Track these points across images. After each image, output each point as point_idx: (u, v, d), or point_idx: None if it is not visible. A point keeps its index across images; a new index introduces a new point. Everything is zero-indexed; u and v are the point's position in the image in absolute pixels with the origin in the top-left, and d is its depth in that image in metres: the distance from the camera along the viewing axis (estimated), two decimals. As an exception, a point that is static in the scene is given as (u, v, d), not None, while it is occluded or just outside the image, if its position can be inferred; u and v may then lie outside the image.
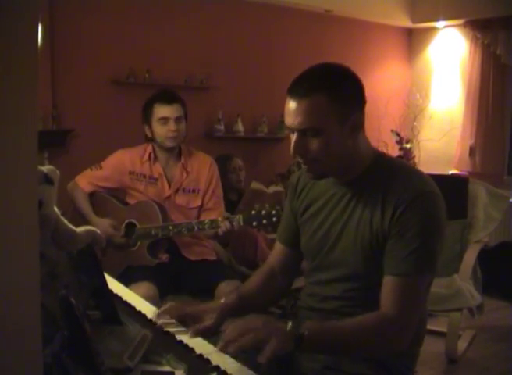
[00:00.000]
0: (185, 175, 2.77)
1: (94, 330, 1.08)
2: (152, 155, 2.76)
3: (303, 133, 1.42)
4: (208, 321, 1.51)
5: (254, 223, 2.35)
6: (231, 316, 1.58)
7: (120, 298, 1.73)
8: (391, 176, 1.45)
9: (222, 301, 1.60)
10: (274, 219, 2.30)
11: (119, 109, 4.35)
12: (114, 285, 1.84)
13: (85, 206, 2.78)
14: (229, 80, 4.91)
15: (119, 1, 4.31)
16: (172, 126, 2.67)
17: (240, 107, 4.98)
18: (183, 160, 2.78)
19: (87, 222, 2.65)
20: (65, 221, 1.27)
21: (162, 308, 1.59)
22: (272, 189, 4.19)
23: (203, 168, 2.80)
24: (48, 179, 1.23)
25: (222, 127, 4.85)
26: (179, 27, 4.60)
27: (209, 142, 4.76)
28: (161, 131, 2.69)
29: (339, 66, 1.47)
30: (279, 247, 1.74)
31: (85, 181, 2.81)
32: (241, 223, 2.40)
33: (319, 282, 1.58)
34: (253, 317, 1.36)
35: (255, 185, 4.09)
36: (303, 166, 1.52)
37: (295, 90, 1.41)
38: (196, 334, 1.45)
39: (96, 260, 1.32)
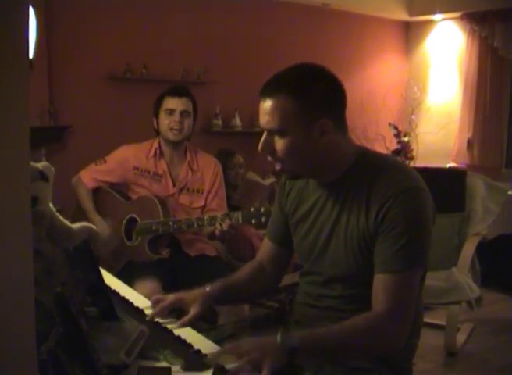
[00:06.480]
0: (190, 173, 2.77)
1: (90, 326, 1.08)
2: (158, 151, 2.76)
3: (270, 132, 1.42)
4: (192, 311, 1.53)
5: (253, 221, 2.33)
6: (215, 304, 1.71)
7: (118, 294, 1.73)
8: (375, 175, 1.42)
9: (208, 289, 1.60)
10: None
11: (117, 105, 4.35)
12: (111, 281, 1.84)
13: (87, 203, 2.79)
14: (227, 74, 4.90)
15: (115, -4, 4.30)
16: (176, 117, 2.68)
17: (238, 101, 4.97)
18: (188, 158, 2.78)
19: (88, 219, 2.66)
20: (61, 217, 1.27)
21: (152, 302, 1.60)
22: (268, 181, 4.18)
23: (208, 168, 2.80)
24: (43, 176, 1.23)
25: (219, 122, 4.85)
26: (175, 22, 4.58)
27: (207, 137, 4.74)
28: (165, 122, 2.70)
29: (315, 67, 1.44)
30: (267, 244, 1.73)
31: (89, 177, 2.81)
32: (240, 221, 2.38)
33: (313, 283, 1.58)
34: (245, 339, 1.33)
35: (251, 175, 4.06)
36: (276, 166, 1.49)
37: (264, 90, 1.42)
38: (183, 326, 1.48)
39: (92, 256, 1.32)
